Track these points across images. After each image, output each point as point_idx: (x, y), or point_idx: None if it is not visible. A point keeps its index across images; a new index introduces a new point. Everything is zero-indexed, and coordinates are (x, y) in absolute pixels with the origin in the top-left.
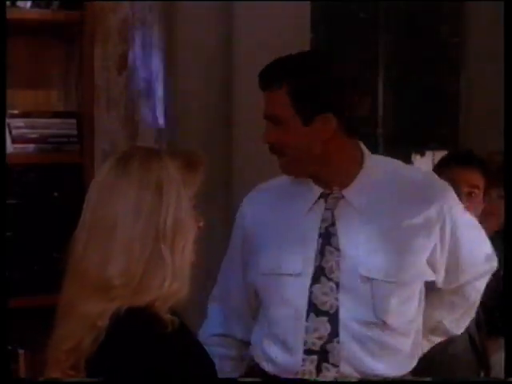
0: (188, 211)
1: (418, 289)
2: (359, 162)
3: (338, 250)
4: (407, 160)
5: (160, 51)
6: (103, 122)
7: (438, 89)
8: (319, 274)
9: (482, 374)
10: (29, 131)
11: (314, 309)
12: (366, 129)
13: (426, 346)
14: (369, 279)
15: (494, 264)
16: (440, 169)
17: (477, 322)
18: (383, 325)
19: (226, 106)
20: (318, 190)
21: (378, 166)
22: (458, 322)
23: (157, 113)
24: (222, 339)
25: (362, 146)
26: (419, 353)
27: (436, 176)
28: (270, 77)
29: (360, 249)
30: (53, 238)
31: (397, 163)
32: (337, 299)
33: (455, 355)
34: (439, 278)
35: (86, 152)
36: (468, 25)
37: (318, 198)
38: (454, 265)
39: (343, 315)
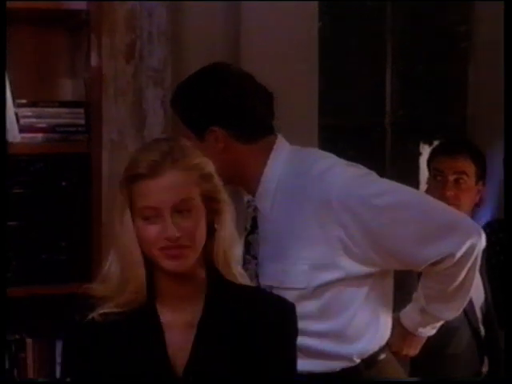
0: (125, 223)
1: (346, 287)
2: (262, 167)
3: (255, 258)
4: (415, 150)
5: (167, 41)
6: (111, 111)
7: (446, 78)
8: None
9: (486, 368)
10: (36, 121)
11: None
12: (374, 119)
13: (426, 325)
14: (269, 287)
15: (456, 241)
16: (430, 160)
17: (485, 315)
18: None
19: None
20: (246, 199)
21: (280, 167)
22: (444, 306)
23: (164, 103)
24: None
25: (277, 143)
26: (361, 351)
27: (338, 171)
28: (170, 102)
29: (265, 256)
30: (61, 227)
31: (304, 158)
32: None
33: (455, 355)
34: (388, 267)
35: (93, 141)
36: (476, 13)
37: (247, 208)
38: (388, 256)
39: None
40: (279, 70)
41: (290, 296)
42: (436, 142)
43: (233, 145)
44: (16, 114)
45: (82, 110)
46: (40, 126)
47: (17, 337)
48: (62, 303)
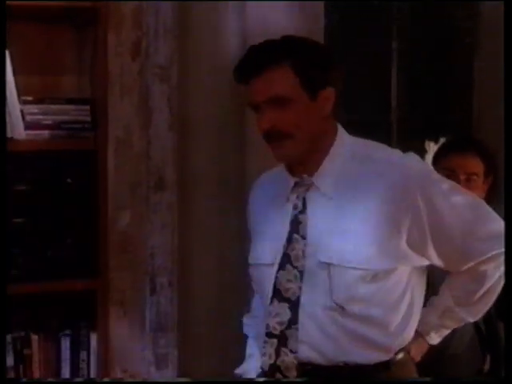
0: None
1: (396, 275)
2: (330, 146)
3: (304, 238)
4: (421, 147)
5: (174, 38)
6: (117, 108)
7: (451, 75)
8: (285, 261)
9: (488, 364)
10: (42, 117)
11: (277, 295)
12: (379, 116)
13: (439, 331)
14: (327, 265)
15: (501, 243)
16: (438, 158)
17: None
18: (342, 311)
19: (239, 91)
20: (292, 180)
21: (346, 149)
22: (472, 308)
23: (170, 100)
24: (252, 320)
25: (339, 127)
26: (395, 344)
27: (414, 158)
28: (270, 55)
29: (324, 235)
30: (66, 224)
31: (371, 145)
32: (300, 287)
33: (458, 354)
34: (437, 263)
35: (99, 138)
36: (482, 11)
37: (293, 187)
38: (446, 248)
39: (304, 302)
40: None
41: (347, 275)
42: (442, 140)
43: (331, 112)
44: (22, 111)
45: (87, 107)
46: (46, 122)
47: (22, 334)
48: (68, 300)
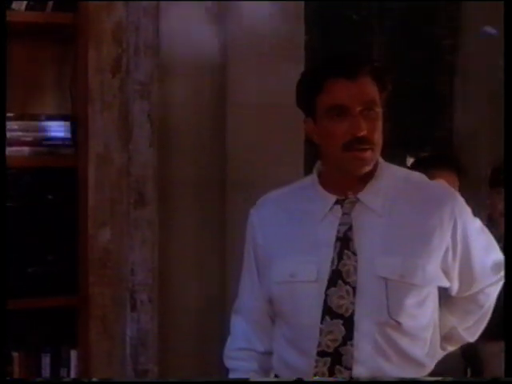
0: None
1: (431, 294)
2: (376, 164)
3: (355, 254)
4: (401, 163)
5: (154, 54)
6: (97, 124)
7: (432, 91)
8: (336, 277)
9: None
10: (23, 134)
11: (329, 312)
12: None
13: (440, 355)
14: (384, 280)
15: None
16: None
17: None
18: (398, 326)
19: (220, 108)
20: (331, 197)
21: (389, 171)
22: (472, 329)
23: (151, 116)
24: (244, 353)
25: None
26: (433, 363)
27: (445, 182)
28: (362, 63)
29: (377, 250)
30: (47, 240)
31: (405, 169)
32: (353, 303)
33: (440, 367)
34: (453, 286)
35: (80, 155)
36: (463, 27)
37: (334, 204)
38: (466, 272)
39: (358, 318)
40: (266, 84)
41: (404, 291)
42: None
43: None
44: None
45: (68, 124)
46: (27, 139)
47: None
48: (49, 316)
